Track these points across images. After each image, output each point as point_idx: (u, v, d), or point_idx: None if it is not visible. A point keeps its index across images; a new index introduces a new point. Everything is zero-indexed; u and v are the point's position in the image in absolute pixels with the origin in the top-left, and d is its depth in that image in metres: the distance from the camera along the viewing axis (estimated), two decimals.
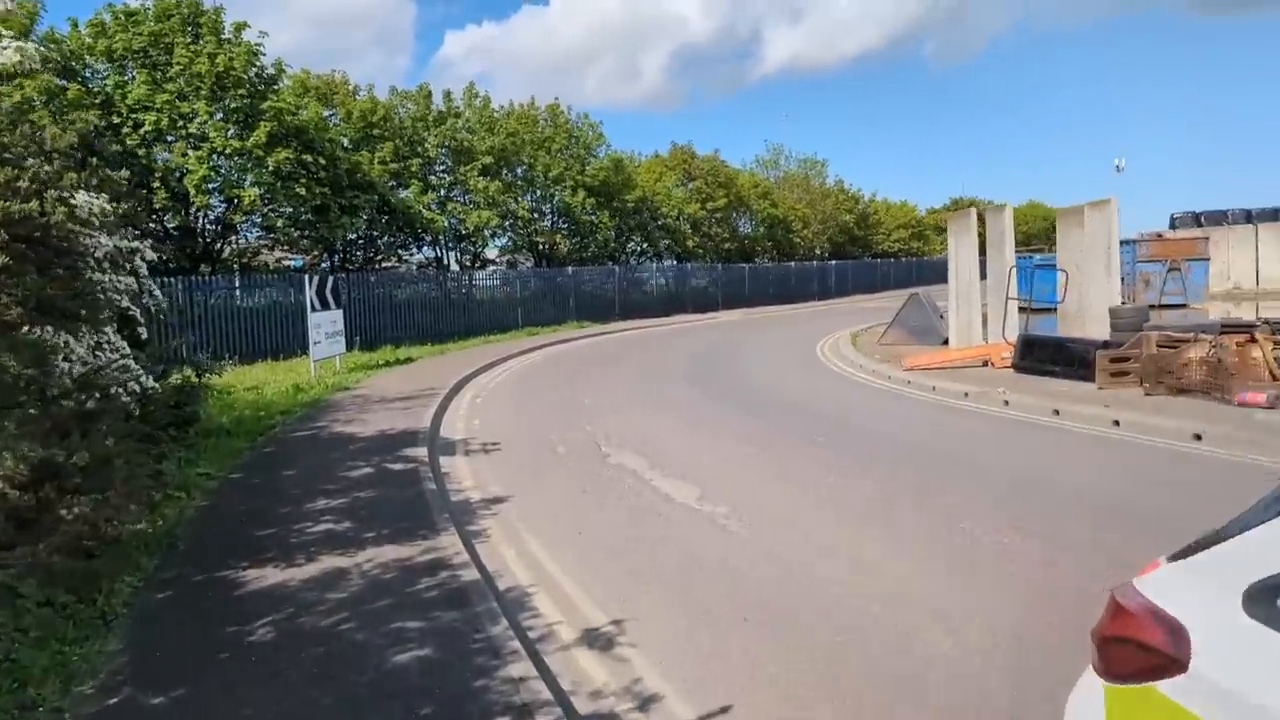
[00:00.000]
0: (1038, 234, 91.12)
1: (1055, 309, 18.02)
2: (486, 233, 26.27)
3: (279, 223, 20.32)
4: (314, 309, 14.84)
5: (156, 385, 5.64)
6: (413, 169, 24.27)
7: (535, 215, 28.40)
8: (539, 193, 29.10)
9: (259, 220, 20.67)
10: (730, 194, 37.67)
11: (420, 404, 11.11)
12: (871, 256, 54.86)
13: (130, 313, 5.77)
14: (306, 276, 14.86)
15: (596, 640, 3.90)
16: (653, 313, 31.70)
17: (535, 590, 4.61)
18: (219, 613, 4.18)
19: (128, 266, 5.71)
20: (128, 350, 5.73)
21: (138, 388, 5.36)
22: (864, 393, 12.32)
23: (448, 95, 26.74)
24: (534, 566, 5.04)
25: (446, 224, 24.88)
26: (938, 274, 59.47)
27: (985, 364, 13.77)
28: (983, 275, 16.22)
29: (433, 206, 24.54)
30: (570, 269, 28.85)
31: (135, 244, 5.73)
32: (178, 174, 18.34)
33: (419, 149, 25.21)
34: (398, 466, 7.32)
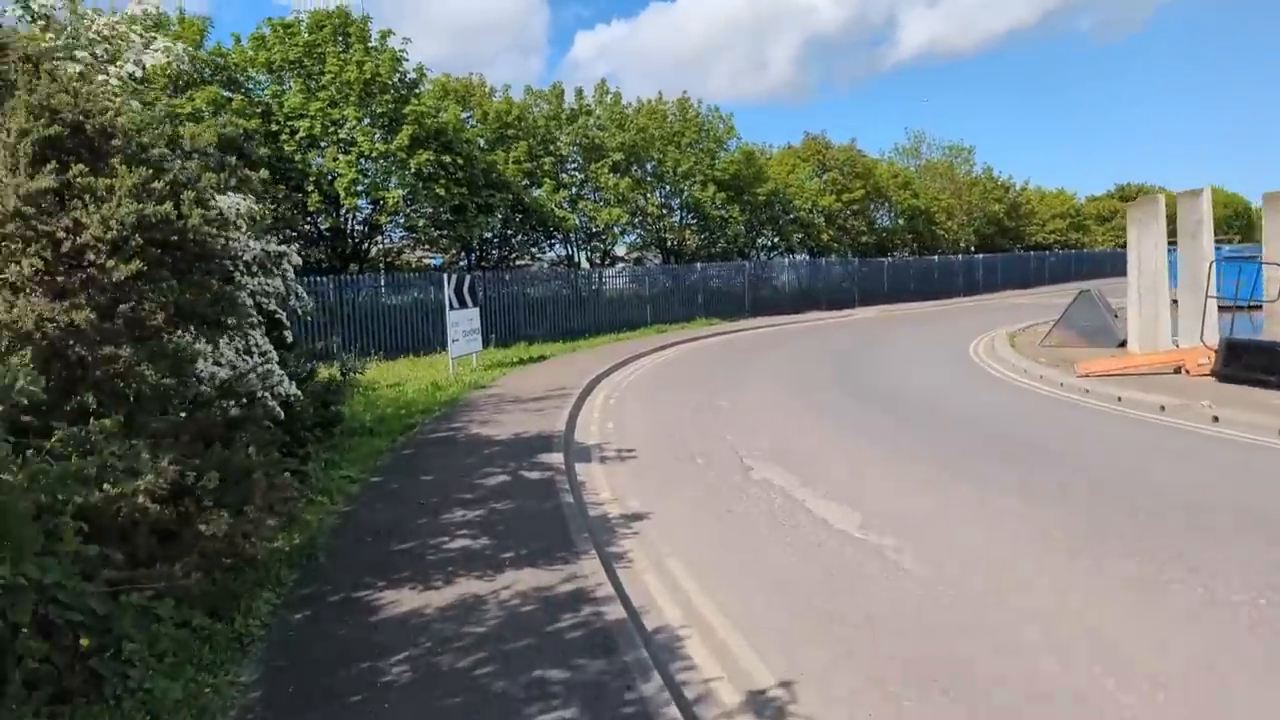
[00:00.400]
0: (1218, 222, 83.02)
1: (1247, 308, 15.96)
2: (616, 230, 26.16)
3: (420, 222, 20.88)
4: (452, 307, 15.01)
5: (299, 392, 5.54)
6: (545, 167, 24.43)
7: (664, 211, 28.06)
8: (668, 188, 28.74)
9: (402, 220, 21.32)
10: (868, 185, 36.06)
11: (554, 405, 10.91)
12: (1023, 249, 51.37)
13: (277, 316, 5.71)
14: (445, 275, 15.08)
15: (765, 709, 3.37)
16: (784, 310, 30.74)
17: (687, 634, 4.13)
18: (356, 642, 3.95)
19: (276, 270, 5.65)
20: (274, 354, 5.68)
21: (283, 392, 5.27)
22: (1033, 401, 11.17)
23: (579, 93, 26.81)
24: (682, 603, 4.57)
25: (577, 222, 24.93)
26: (1100, 268, 55.20)
27: (1178, 371, 12.29)
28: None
29: (564, 205, 24.64)
30: (699, 265, 28.35)
31: (282, 248, 5.66)
32: (329, 178, 19.10)
33: (551, 147, 25.36)
34: (534, 475, 7.05)
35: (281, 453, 6.53)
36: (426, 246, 23.30)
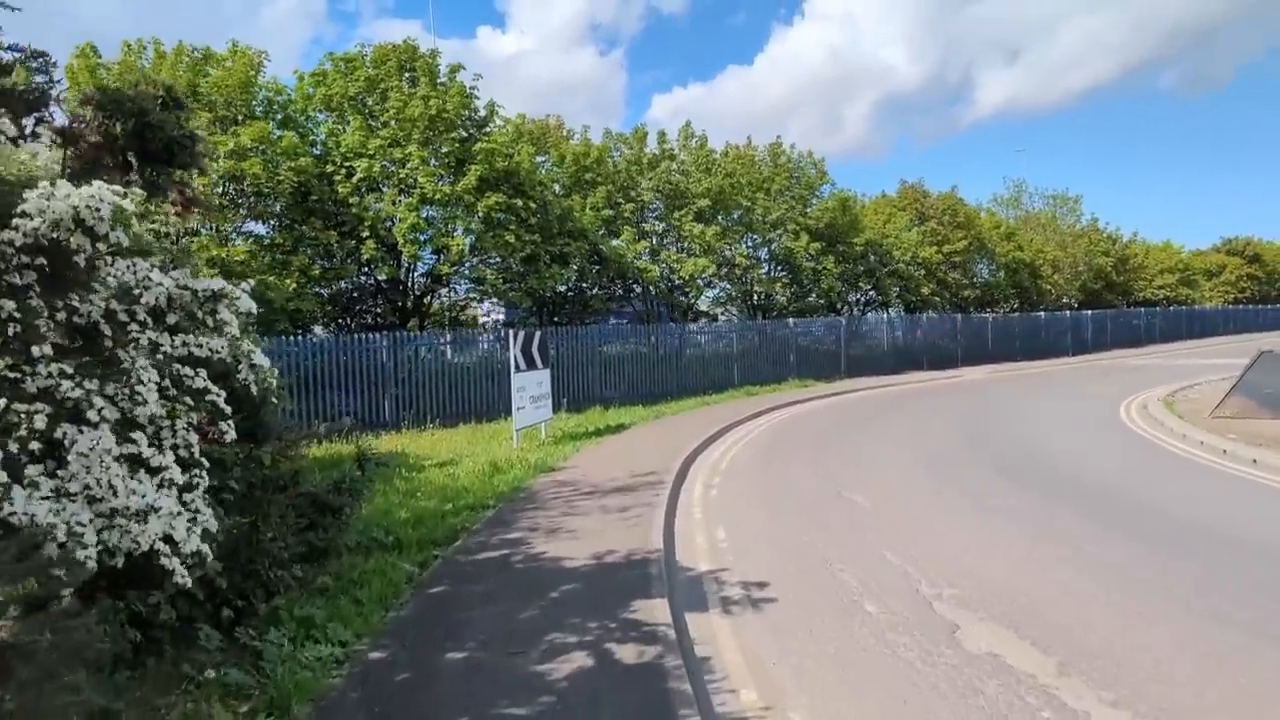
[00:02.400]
0: None
1: None
2: (700, 282, 23.84)
3: (488, 274, 18.91)
4: (518, 368, 12.76)
5: (206, 549, 3.16)
6: (625, 214, 22.39)
7: (752, 262, 25.67)
8: (756, 238, 26.39)
9: (467, 271, 19.42)
10: (969, 235, 33.04)
11: (643, 501, 8.39)
12: (1130, 305, 47.17)
13: (211, 397, 3.40)
14: (510, 332, 12.89)
15: None
16: (883, 370, 27.76)
17: None
18: None
19: (212, 321, 3.35)
20: (199, 476, 3.36)
21: (189, 550, 2.93)
22: (1265, 499, 8.17)
23: (662, 136, 24.89)
24: None
25: (659, 273, 22.70)
26: (1213, 326, 50.59)
27: None
28: None
29: (644, 255, 22.51)
30: (790, 321, 25.72)
31: (222, 284, 3.38)
32: (387, 224, 17.37)
33: (632, 193, 23.37)
34: (628, 651, 4.47)
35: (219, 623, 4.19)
36: (494, 300, 21.34)
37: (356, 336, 16.03)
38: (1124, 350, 39.47)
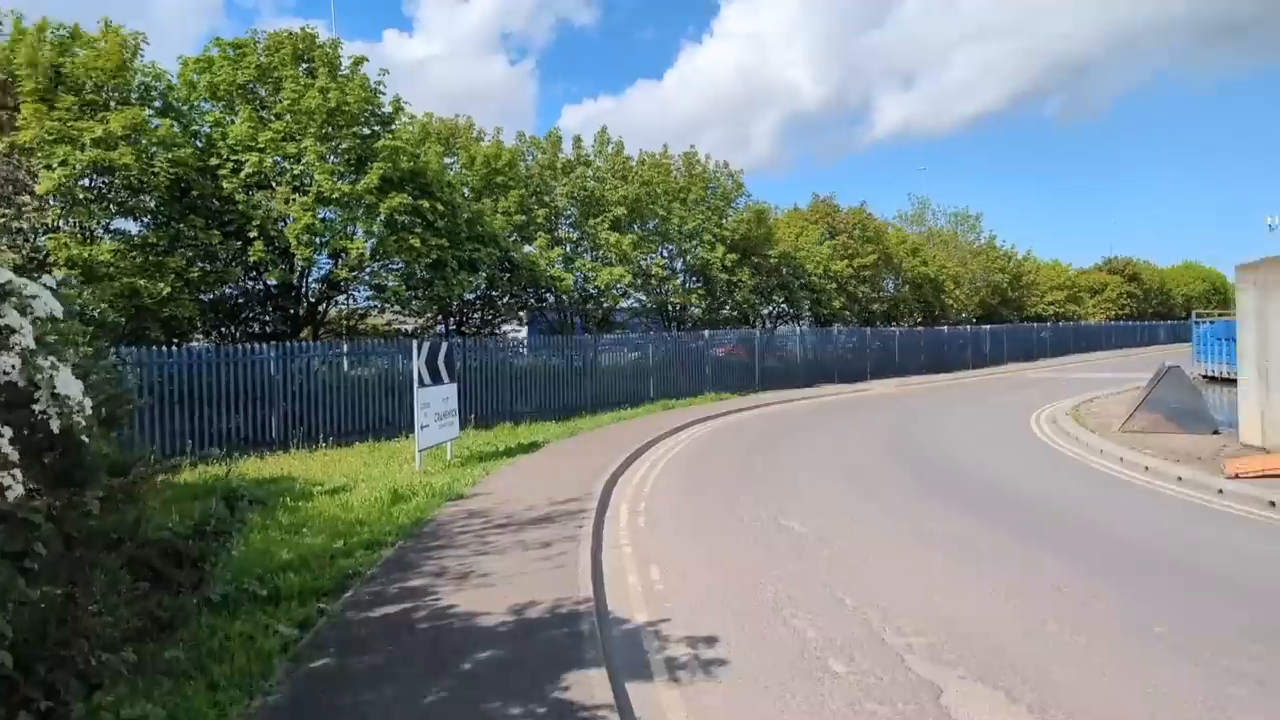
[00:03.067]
0: (1197, 297, 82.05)
1: None
2: (616, 292, 23.10)
3: (390, 280, 17.61)
4: (422, 383, 11.66)
5: None
6: (538, 220, 21.44)
7: (668, 273, 25.11)
8: (672, 248, 25.87)
9: (368, 278, 18.06)
10: (878, 250, 33.55)
11: (565, 534, 7.51)
12: (1022, 320, 49.19)
13: None
14: (415, 342, 11.78)
15: None
16: (795, 382, 27.68)
17: None
18: None
19: None
20: None
21: None
22: (1204, 519, 7.98)
23: (578, 141, 24.08)
24: None
25: (573, 282, 21.83)
26: (1097, 340, 53.33)
27: None
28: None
29: (558, 263, 21.62)
30: (707, 333, 25.29)
31: (21, 281, 2.38)
32: (279, 224, 15.91)
33: (545, 199, 22.46)
34: None
35: None
36: (397, 309, 19.97)
37: (241, 346, 14.53)
38: (1019, 364, 40.97)
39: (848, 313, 32.53)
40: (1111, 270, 62.96)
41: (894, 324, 36.91)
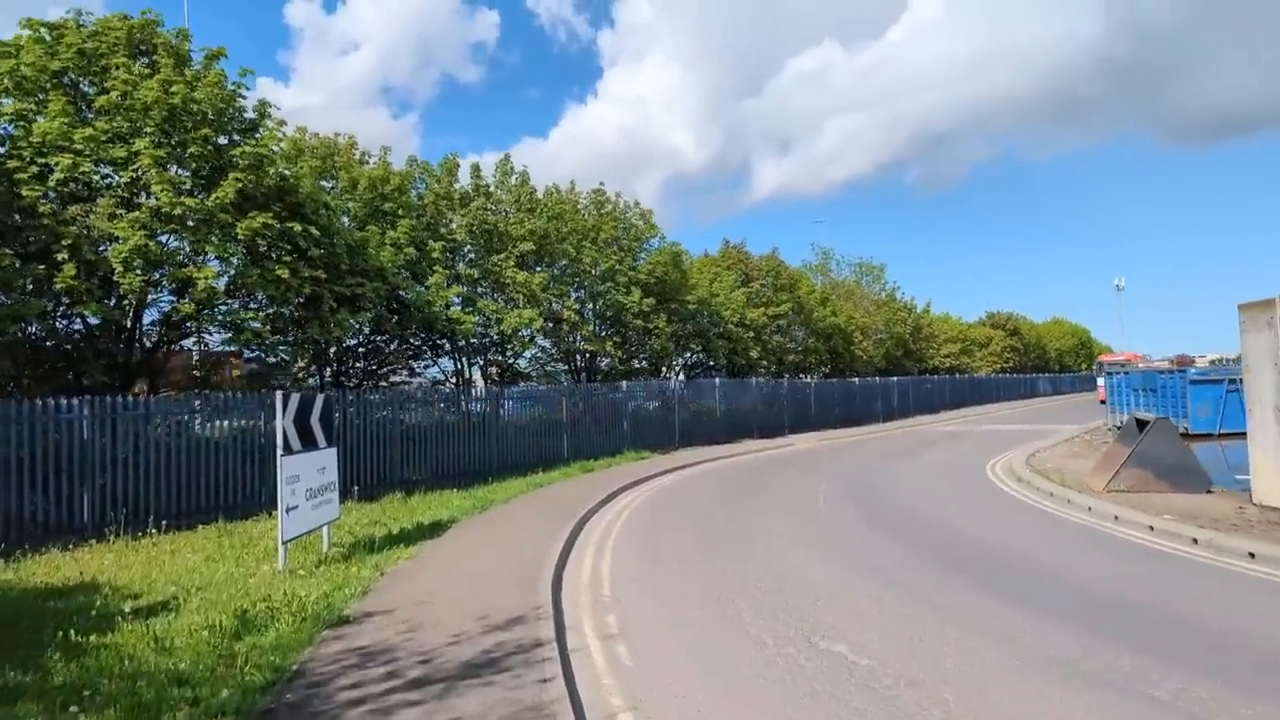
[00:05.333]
0: (1068, 351, 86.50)
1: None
2: (524, 337, 20.30)
3: (248, 318, 14.20)
4: (289, 449, 8.55)
5: None
6: (434, 254, 18.49)
7: (580, 318, 22.54)
8: (583, 291, 23.38)
9: (222, 315, 14.56)
10: (792, 299, 32.19)
11: (520, 698, 4.68)
12: (920, 372, 49.27)
13: None
14: (279, 395, 8.67)
15: None
16: (716, 437, 25.51)
17: None
18: None
19: None
20: None
21: None
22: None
23: (476, 170, 21.36)
24: None
25: (475, 325, 18.90)
26: (990, 392, 54.14)
27: None
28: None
29: (455, 303, 18.68)
30: (625, 385, 22.78)
31: None
32: (101, 246, 12.44)
33: (441, 231, 19.57)
34: None
35: None
36: (260, 354, 16.38)
37: (42, 403, 10.91)
38: (924, 416, 40.44)
39: (764, 363, 30.81)
40: (994, 325, 64.95)
41: (804, 375, 35.57)
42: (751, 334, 29.13)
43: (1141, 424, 14.20)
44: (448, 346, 20.31)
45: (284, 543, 8.30)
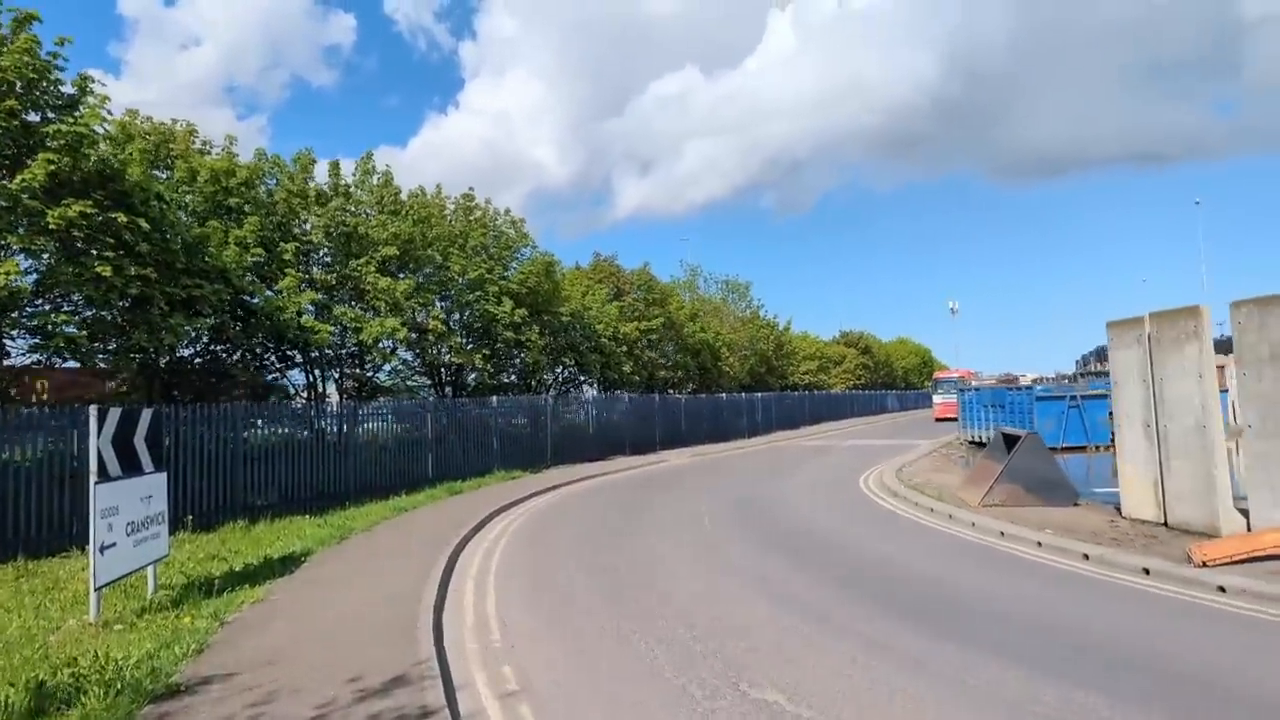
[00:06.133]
0: (912, 368, 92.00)
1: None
2: (386, 349, 18.87)
3: (60, 321, 12.25)
4: (106, 475, 7.18)
5: None
6: (285, 256, 16.85)
7: (447, 329, 21.31)
8: (451, 300, 22.15)
9: (28, 318, 12.49)
10: (664, 313, 32.07)
11: None
12: (782, 388, 50.63)
13: None
14: (93, 410, 7.24)
15: None
16: (588, 454, 24.87)
17: None
18: None
19: None
20: None
21: None
22: (1191, 624, 6.11)
23: (335, 167, 19.76)
24: None
25: (332, 334, 17.35)
26: (843, 408, 56.49)
27: None
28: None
29: (309, 310, 17.09)
30: (494, 400, 21.71)
31: None
32: None
33: (294, 232, 17.92)
34: None
35: None
36: (72, 363, 14.21)
37: None
38: (786, 431, 41.49)
39: (636, 378, 30.45)
40: (848, 343, 68.01)
41: (674, 391, 35.54)
42: (624, 348, 28.70)
43: (1009, 439, 14.70)
44: (299, 358, 18.59)
45: (97, 589, 6.90)
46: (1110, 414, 25.48)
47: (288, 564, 9.44)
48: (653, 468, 23.32)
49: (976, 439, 28.00)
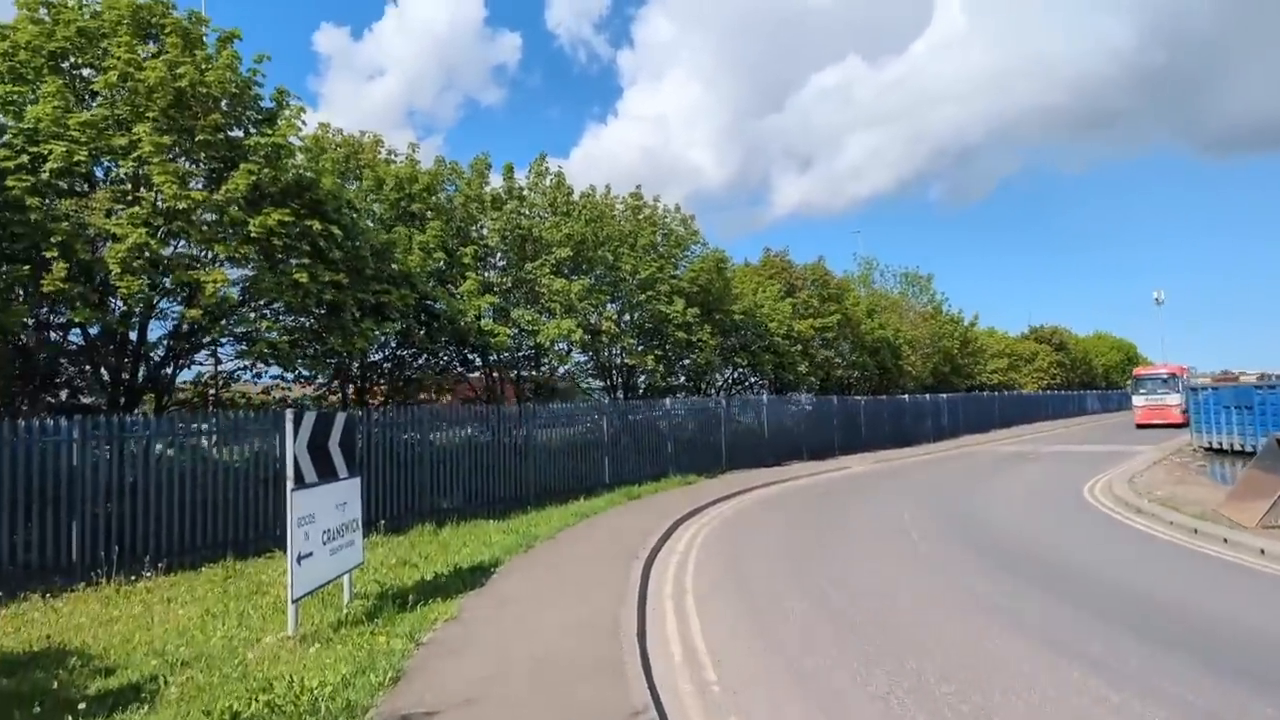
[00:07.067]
0: (1114, 366, 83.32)
1: None
2: (562, 349, 18.67)
3: (264, 328, 12.71)
4: (302, 482, 6.94)
5: None
6: (465, 260, 16.96)
7: (621, 329, 20.91)
8: (622, 300, 21.73)
9: (234, 325, 13.05)
10: (840, 310, 30.35)
11: None
12: (968, 389, 46.95)
13: None
14: (289, 414, 7.07)
15: None
16: (764, 459, 23.71)
17: None
18: None
19: None
20: None
21: None
22: None
23: (509, 170, 19.88)
24: None
25: (511, 338, 17.30)
26: (1038, 410, 51.42)
27: None
28: None
29: (488, 314, 17.09)
30: (667, 402, 21.07)
31: None
32: (97, 245, 11.02)
33: (472, 235, 18.06)
34: None
35: None
36: (277, 371, 14.85)
37: (25, 424, 9.50)
38: (974, 435, 38.22)
39: (811, 379, 28.98)
40: (1039, 339, 62.44)
41: (851, 391, 33.66)
42: (799, 347, 27.31)
43: None
44: (478, 361, 18.74)
45: (294, 600, 6.66)
46: None
47: (477, 575, 9.05)
48: (835, 474, 21.86)
49: (1215, 445, 24.33)
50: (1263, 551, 9.65)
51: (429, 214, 16.83)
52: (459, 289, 16.67)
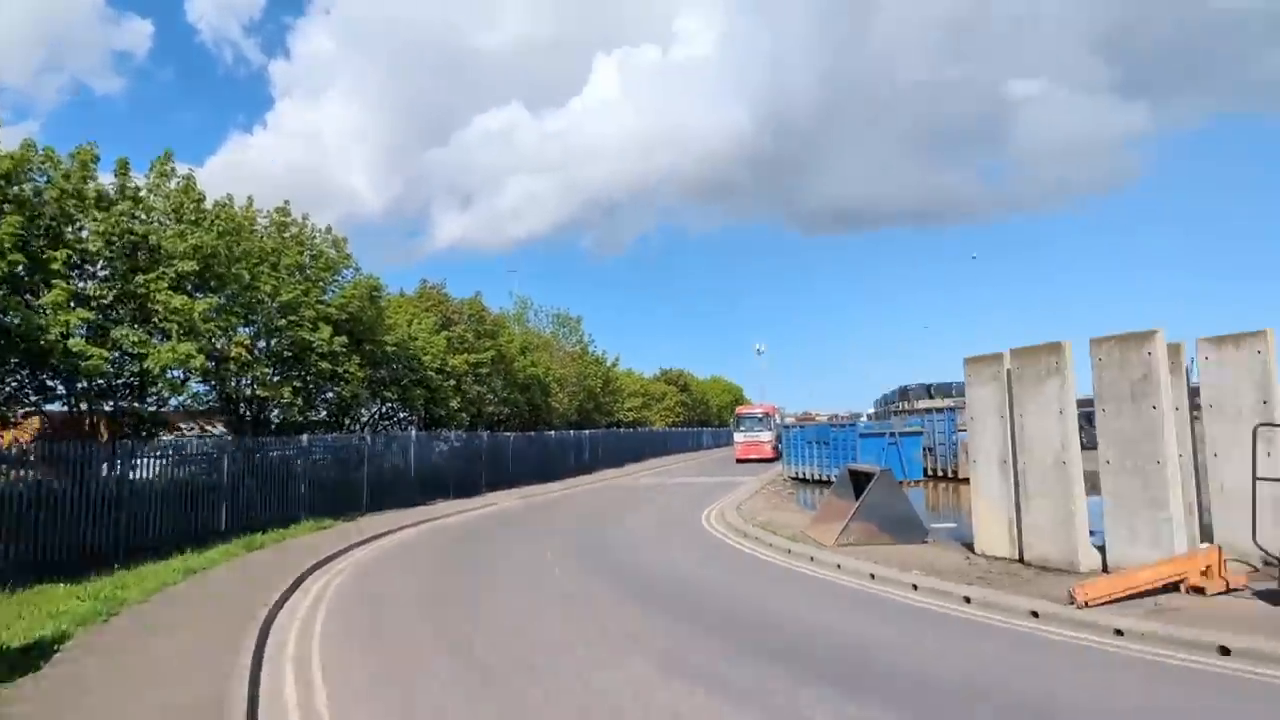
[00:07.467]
0: (725, 406, 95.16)
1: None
2: (177, 379, 16.21)
3: None
4: None
5: None
6: (54, 266, 14.06)
7: (253, 358, 18.82)
8: (258, 325, 19.63)
9: None
10: (495, 346, 30.61)
11: None
12: (608, 425, 50.24)
13: None
14: None
15: None
16: (410, 499, 22.94)
17: None
18: None
19: None
20: None
21: None
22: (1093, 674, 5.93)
23: (124, 165, 16.98)
24: None
25: (108, 362, 14.60)
26: (666, 444, 57.09)
27: (1175, 587, 8.75)
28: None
29: (79, 330, 14.32)
30: (305, 439, 19.39)
31: None
32: None
33: (68, 238, 15.07)
34: None
35: None
36: None
37: None
38: (615, 469, 40.85)
39: (463, 415, 28.71)
40: (668, 380, 69.19)
41: (501, 427, 34.01)
42: (452, 382, 26.93)
43: (857, 476, 14.73)
44: (61, 389, 15.58)
45: None
46: (925, 450, 26.84)
47: (32, 656, 7.30)
48: (483, 511, 21.81)
49: (801, 475, 28.71)
50: (839, 566, 11.42)
51: (6, 206, 13.69)
52: (41, 299, 13.74)
